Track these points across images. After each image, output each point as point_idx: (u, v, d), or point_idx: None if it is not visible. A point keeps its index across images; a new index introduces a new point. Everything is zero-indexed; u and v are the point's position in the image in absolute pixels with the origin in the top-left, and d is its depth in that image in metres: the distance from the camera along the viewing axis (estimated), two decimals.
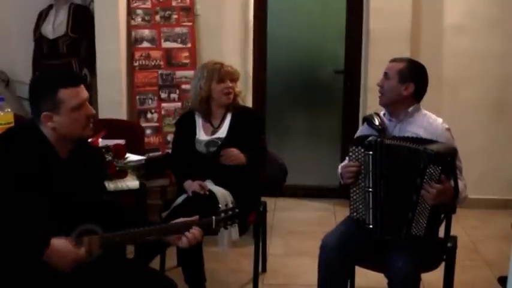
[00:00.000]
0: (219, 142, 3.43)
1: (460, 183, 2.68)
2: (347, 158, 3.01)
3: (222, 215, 2.34)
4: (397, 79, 2.86)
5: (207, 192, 3.24)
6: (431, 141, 2.69)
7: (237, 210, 2.36)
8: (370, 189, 2.73)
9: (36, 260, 2.06)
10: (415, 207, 2.62)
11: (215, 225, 2.32)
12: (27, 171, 2.12)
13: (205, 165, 3.39)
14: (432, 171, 2.56)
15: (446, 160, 2.59)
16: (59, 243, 2.10)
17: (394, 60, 2.94)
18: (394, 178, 2.68)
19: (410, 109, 2.88)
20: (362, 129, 3.00)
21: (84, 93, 2.24)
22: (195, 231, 2.28)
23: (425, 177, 2.58)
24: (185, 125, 3.53)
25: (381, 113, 2.99)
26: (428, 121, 2.88)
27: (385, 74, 2.91)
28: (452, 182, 2.64)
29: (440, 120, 2.90)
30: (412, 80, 2.85)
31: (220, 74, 3.44)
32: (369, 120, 2.94)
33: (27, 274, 2.10)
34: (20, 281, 2.11)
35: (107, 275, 2.27)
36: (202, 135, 3.47)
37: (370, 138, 2.75)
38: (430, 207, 2.61)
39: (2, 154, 2.16)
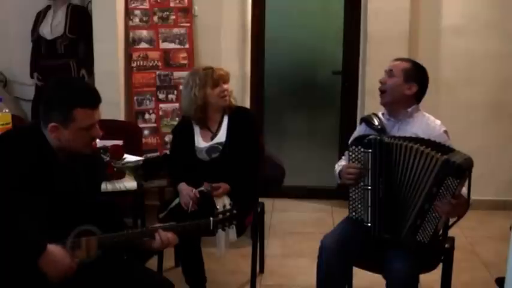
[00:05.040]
0: (221, 147, 3.39)
1: (464, 189, 2.66)
2: (343, 157, 3.01)
3: (220, 216, 2.33)
4: (402, 77, 2.86)
5: (195, 208, 3.21)
6: (436, 145, 2.66)
7: (234, 211, 2.35)
8: (369, 187, 2.74)
9: (32, 262, 2.06)
10: (425, 214, 2.61)
11: (213, 227, 2.32)
12: (26, 172, 2.11)
13: (205, 171, 3.36)
14: (450, 183, 2.53)
15: (465, 174, 2.56)
16: (55, 249, 2.09)
17: (398, 59, 2.95)
18: (397, 177, 2.68)
19: (409, 109, 2.88)
20: (359, 130, 3.00)
21: (98, 115, 2.23)
22: (169, 234, 2.27)
23: (442, 188, 2.55)
24: (182, 134, 3.47)
25: (379, 113, 2.98)
26: (427, 122, 2.88)
27: (390, 71, 2.90)
28: (465, 194, 2.63)
29: (438, 122, 2.90)
30: (416, 81, 2.86)
31: (214, 78, 3.36)
32: (367, 120, 2.94)
33: (25, 274, 2.10)
34: (17, 281, 2.10)
35: (104, 275, 2.27)
36: (201, 143, 3.42)
37: (369, 136, 2.75)
38: (440, 217, 2.60)
39: (2, 154, 2.16)
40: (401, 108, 2.89)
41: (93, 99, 2.22)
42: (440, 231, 2.78)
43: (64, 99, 2.18)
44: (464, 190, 2.63)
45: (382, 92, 2.91)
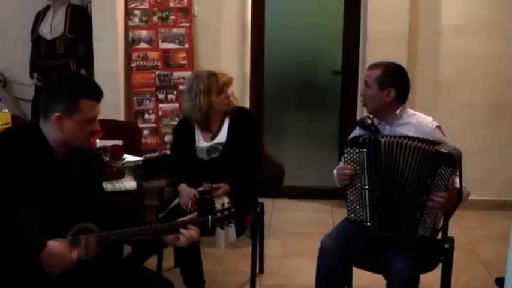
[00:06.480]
0: (221, 147, 3.39)
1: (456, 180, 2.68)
2: (340, 162, 3.02)
3: (218, 214, 2.33)
4: (376, 87, 2.84)
5: (194, 208, 3.19)
6: (429, 141, 2.68)
7: (233, 210, 2.35)
8: (366, 187, 2.74)
9: (32, 260, 2.06)
10: (424, 207, 2.63)
11: (211, 225, 2.32)
12: (25, 170, 2.12)
13: (205, 171, 3.36)
14: (443, 172, 2.56)
15: (457, 161, 2.59)
16: (54, 245, 2.09)
17: (371, 67, 2.92)
18: (393, 175, 2.68)
19: (397, 111, 2.88)
20: (354, 133, 3.01)
21: (99, 109, 2.28)
22: (192, 230, 2.27)
23: (436, 178, 2.58)
24: (183, 133, 3.47)
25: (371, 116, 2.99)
26: (418, 120, 2.88)
27: (365, 83, 2.91)
28: (457, 184, 2.65)
29: (429, 118, 2.90)
30: (392, 85, 2.83)
31: (219, 85, 3.35)
32: (361, 122, 2.95)
33: (24, 274, 2.10)
34: (17, 281, 2.10)
35: (103, 275, 2.27)
36: (202, 142, 3.42)
37: (363, 136, 2.77)
38: (436, 214, 2.62)
39: (0, 152, 2.16)
40: (388, 113, 2.89)
41: (98, 92, 2.28)
42: (440, 225, 2.78)
43: (72, 88, 2.23)
44: (456, 180, 2.66)
45: (365, 102, 2.92)
